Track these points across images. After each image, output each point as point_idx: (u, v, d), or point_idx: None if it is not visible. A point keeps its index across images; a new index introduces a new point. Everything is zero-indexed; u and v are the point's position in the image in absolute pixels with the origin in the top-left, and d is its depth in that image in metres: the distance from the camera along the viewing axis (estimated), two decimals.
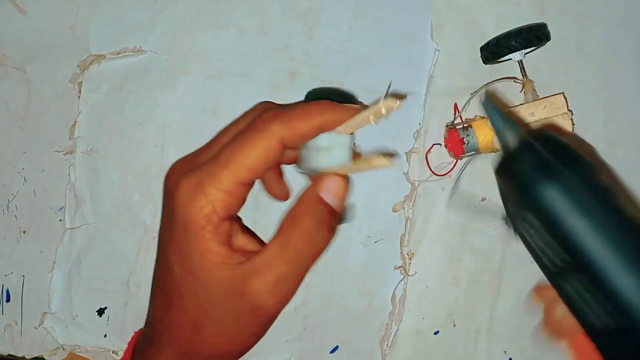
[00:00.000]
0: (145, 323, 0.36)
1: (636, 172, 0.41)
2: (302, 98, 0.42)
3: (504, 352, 0.42)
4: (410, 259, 0.42)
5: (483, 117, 0.40)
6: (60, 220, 0.44)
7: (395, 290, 0.42)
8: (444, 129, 0.41)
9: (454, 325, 0.42)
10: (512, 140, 0.27)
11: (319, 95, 0.34)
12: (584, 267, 0.25)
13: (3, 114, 0.44)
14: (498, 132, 0.28)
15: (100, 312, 0.44)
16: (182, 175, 0.31)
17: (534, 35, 0.39)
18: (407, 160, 0.42)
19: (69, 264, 0.44)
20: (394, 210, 0.42)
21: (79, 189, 0.44)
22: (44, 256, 0.44)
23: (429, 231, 0.42)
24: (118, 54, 0.43)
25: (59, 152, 0.44)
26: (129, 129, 0.43)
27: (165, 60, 0.43)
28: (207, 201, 0.30)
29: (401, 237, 0.42)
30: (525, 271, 0.41)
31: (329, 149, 0.31)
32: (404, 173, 0.42)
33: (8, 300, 0.44)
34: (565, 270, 0.26)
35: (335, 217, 0.31)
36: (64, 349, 0.44)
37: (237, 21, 0.43)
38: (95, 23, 0.43)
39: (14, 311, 0.44)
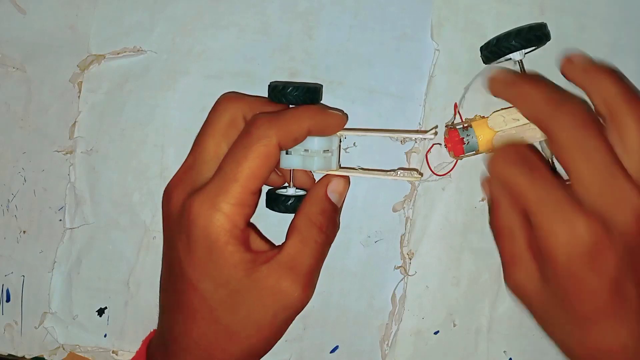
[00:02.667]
0: (160, 336, 0.36)
1: None
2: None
3: (504, 352, 0.42)
4: (410, 259, 0.42)
5: (483, 117, 0.40)
6: (60, 220, 0.44)
7: (395, 290, 0.42)
8: (444, 129, 0.41)
9: (454, 325, 0.42)
10: None
11: (285, 89, 0.36)
12: None
13: (3, 114, 0.44)
14: None
15: (100, 312, 0.44)
16: (189, 196, 0.33)
17: (534, 35, 0.38)
18: (407, 160, 0.42)
19: (69, 263, 0.44)
20: (394, 210, 0.42)
21: (79, 189, 0.44)
22: (44, 256, 0.44)
23: (429, 231, 0.42)
24: (118, 53, 0.43)
25: (59, 152, 0.44)
26: (129, 129, 0.43)
27: (165, 60, 0.43)
28: (226, 218, 0.32)
29: (401, 237, 0.42)
30: None
31: (329, 153, 0.36)
32: None
33: (8, 300, 0.44)
34: None
35: (338, 213, 0.36)
36: (64, 349, 0.44)
37: (237, 21, 0.43)
38: (95, 23, 0.43)
39: (14, 311, 0.44)
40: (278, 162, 0.35)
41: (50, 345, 0.44)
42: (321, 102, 0.38)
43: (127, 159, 0.43)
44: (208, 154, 0.34)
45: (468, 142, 0.39)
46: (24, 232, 0.44)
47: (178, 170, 0.36)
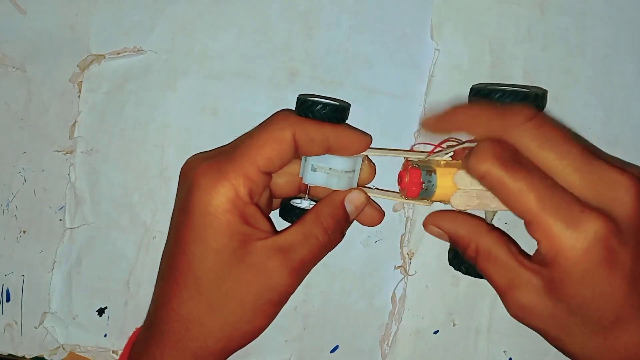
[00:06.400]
0: (147, 317, 0.36)
1: None
2: None
3: (504, 351, 0.42)
4: (410, 259, 0.42)
5: (448, 163, 0.36)
6: (60, 220, 0.44)
7: (395, 289, 0.42)
8: (402, 160, 0.38)
9: (454, 325, 0.42)
10: None
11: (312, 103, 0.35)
12: None
13: (3, 114, 0.44)
14: None
15: (100, 311, 0.44)
16: (200, 162, 0.33)
17: (535, 107, 0.33)
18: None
19: (69, 263, 0.44)
20: (394, 210, 0.42)
21: (79, 189, 0.44)
22: (44, 256, 0.44)
23: None
24: (118, 53, 0.43)
25: (59, 151, 0.44)
26: (129, 129, 0.43)
27: (165, 60, 0.43)
28: (230, 185, 0.32)
29: (401, 236, 0.42)
30: None
31: (351, 173, 0.36)
32: None
33: (8, 300, 0.44)
34: None
35: (348, 224, 0.36)
36: (64, 349, 0.44)
37: (237, 21, 0.43)
38: (95, 23, 0.43)
39: (14, 311, 0.44)
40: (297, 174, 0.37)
41: (50, 345, 0.44)
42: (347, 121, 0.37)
43: (127, 159, 0.43)
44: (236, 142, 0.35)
45: (426, 189, 0.35)
46: (24, 232, 0.44)
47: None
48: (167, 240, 0.35)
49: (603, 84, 0.41)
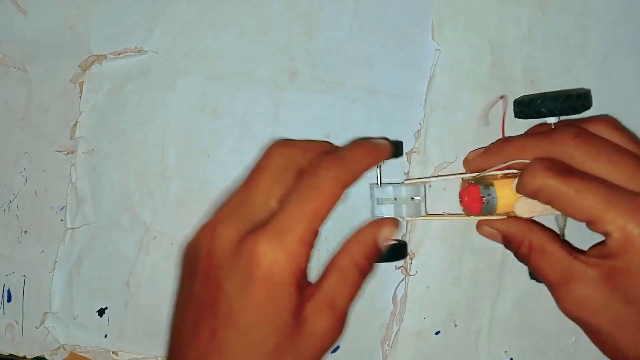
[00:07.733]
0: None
1: None
2: (303, 98, 0.42)
3: (505, 351, 0.42)
4: (412, 259, 0.42)
5: (506, 176, 0.36)
6: (62, 220, 0.44)
7: (396, 290, 0.42)
8: (460, 181, 0.39)
9: (455, 325, 0.42)
10: None
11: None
12: None
13: (4, 114, 0.44)
14: None
15: (101, 312, 0.44)
16: (247, 233, 0.31)
17: (580, 105, 0.36)
18: (407, 160, 0.42)
19: (69, 263, 0.44)
20: None
21: (80, 189, 0.44)
22: (45, 256, 0.44)
23: (430, 231, 0.42)
24: (119, 54, 0.43)
25: (60, 152, 0.44)
26: (130, 129, 0.43)
27: (165, 60, 0.43)
28: (292, 258, 0.30)
29: (402, 237, 0.42)
30: (525, 271, 0.41)
31: (418, 199, 0.37)
32: (404, 173, 0.42)
33: (9, 300, 0.44)
34: None
35: (379, 257, 0.35)
36: (64, 349, 0.44)
37: (237, 21, 0.43)
38: (96, 23, 0.43)
39: (15, 311, 0.44)
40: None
41: (51, 345, 0.44)
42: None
43: (128, 159, 0.43)
44: (261, 194, 0.33)
45: (487, 202, 0.36)
46: (25, 232, 0.44)
47: (225, 205, 0.33)
48: (200, 311, 0.32)
49: (603, 84, 0.41)
